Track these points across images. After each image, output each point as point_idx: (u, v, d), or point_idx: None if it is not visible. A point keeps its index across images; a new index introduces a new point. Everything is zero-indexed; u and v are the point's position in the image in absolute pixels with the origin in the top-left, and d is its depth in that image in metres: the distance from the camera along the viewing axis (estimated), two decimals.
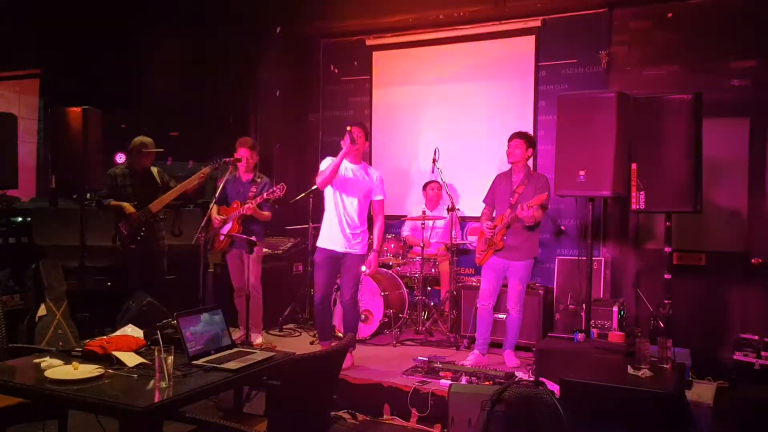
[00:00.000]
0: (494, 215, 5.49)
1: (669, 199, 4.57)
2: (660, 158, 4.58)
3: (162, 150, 6.08)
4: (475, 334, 5.56)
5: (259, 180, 5.82)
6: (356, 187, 5.24)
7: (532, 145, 5.41)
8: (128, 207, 5.84)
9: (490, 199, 5.54)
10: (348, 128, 5.13)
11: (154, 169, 6.11)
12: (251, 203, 5.54)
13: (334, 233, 5.25)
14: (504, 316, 5.55)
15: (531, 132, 6.71)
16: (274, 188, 5.45)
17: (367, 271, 5.37)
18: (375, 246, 5.32)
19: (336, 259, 5.27)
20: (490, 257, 5.37)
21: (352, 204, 5.23)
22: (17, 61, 8.86)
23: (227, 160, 5.63)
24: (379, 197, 5.31)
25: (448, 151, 6.58)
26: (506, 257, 5.32)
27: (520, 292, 5.33)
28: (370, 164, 7.47)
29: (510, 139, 5.38)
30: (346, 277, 5.29)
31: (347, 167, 5.25)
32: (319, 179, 5.19)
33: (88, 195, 6.05)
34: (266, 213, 5.72)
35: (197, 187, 5.87)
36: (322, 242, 5.32)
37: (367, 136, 5.35)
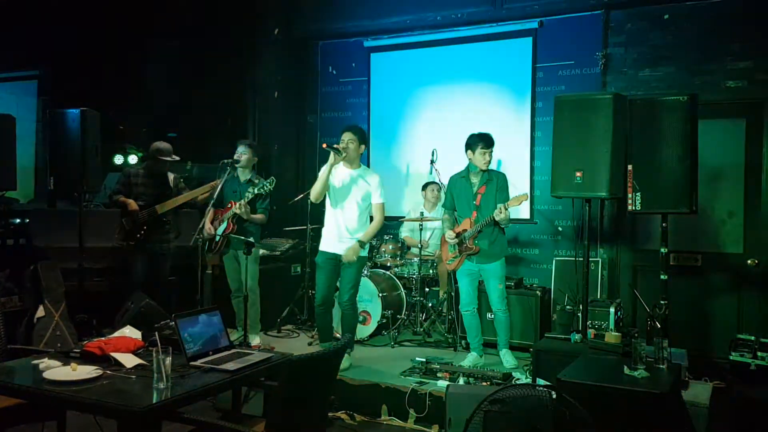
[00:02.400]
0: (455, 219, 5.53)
1: (665, 200, 4.58)
2: (656, 159, 4.59)
3: (178, 159, 6.06)
4: (467, 338, 5.60)
5: (256, 181, 5.83)
6: (353, 193, 5.27)
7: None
8: (132, 204, 5.87)
9: (451, 205, 5.54)
10: (323, 146, 5.15)
11: (171, 175, 6.13)
12: (242, 202, 5.54)
13: (333, 236, 5.30)
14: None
15: (528, 133, 6.77)
16: (264, 182, 5.46)
17: (342, 256, 5.22)
18: (364, 237, 5.25)
19: (336, 261, 5.30)
20: (463, 262, 5.40)
21: (349, 208, 5.27)
22: (16, 62, 8.88)
23: (225, 161, 5.64)
24: (377, 201, 5.31)
25: (445, 152, 6.60)
26: (479, 261, 5.35)
27: (501, 291, 5.36)
28: (368, 166, 7.49)
29: (491, 146, 5.32)
30: (344, 278, 5.32)
31: (343, 173, 5.29)
32: (312, 192, 5.28)
33: (86, 196, 6.06)
34: (259, 216, 5.72)
35: (208, 198, 5.88)
36: (322, 245, 5.38)
37: (362, 139, 5.30)
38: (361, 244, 5.24)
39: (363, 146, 5.32)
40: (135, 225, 5.89)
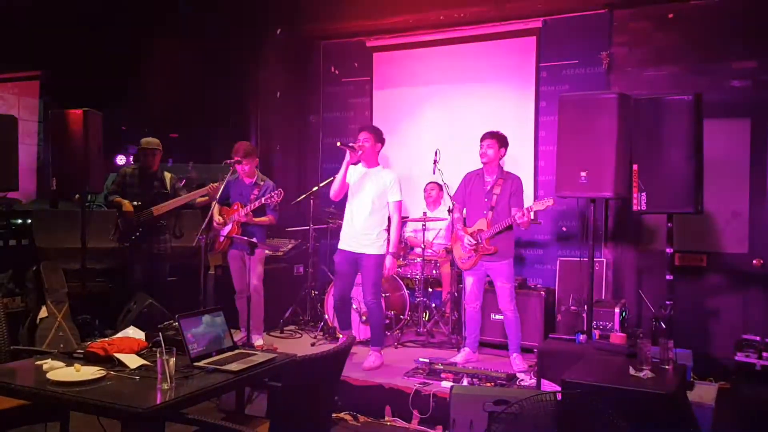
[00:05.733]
0: (464, 215, 5.53)
1: (670, 200, 4.57)
2: (661, 159, 4.58)
3: (155, 149, 6.07)
4: (465, 332, 5.61)
5: (261, 183, 5.83)
6: (369, 190, 5.32)
7: (505, 145, 5.41)
8: (127, 205, 5.87)
9: (461, 198, 5.54)
10: (338, 144, 5.21)
11: (168, 175, 6.14)
12: (247, 209, 5.57)
13: (348, 234, 5.39)
14: (501, 317, 5.56)
15: (532, 133, 6.75)
16: (273, 193, 5.49)
17: (384, 274, 5.38)
18: (390, 248, 5.34)
19: (353, 259, 5.36)
20: (477, 262, 5.38)
21: (365, 206, 5.30)
22: (17, 62, 8.86)
23: (228, 162, 5.64)
24: (393, 198, 5.33)
25: (449, 152, 6.56)
26: (486, 259, 5.34)
27: (510, 291, 5.34)
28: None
29: (482, 139, 5.39)
30: (364, 279, 5.36)
31: (360, 171, 5.38)
32: (331, 192, 5.40)
33: (89, 197, 6.06)
34: (265, 218, 5.76)
35: (205, 202, 5.89)
36: (340, 244, 5.46)
37: (378, 138, 5.37)
38: (395, 255, 5.43)
39: (379, 145, 5.40)
40: (130, 226, 5.87)
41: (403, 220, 6.99)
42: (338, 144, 5.18)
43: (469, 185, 5.51)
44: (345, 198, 5.47)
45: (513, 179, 5.37)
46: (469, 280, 5.47)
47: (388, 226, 5.41)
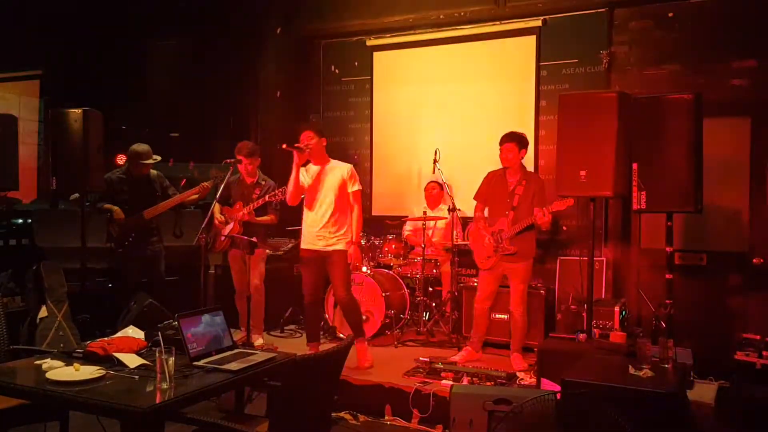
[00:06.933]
0: (486, 214, 5.49)
1: (670, 199, 4.57)
2: (661, 158, 4.57)
3: (158, 159, 6.03)
4: (471, 332, 5.59)
5: (263, 183, 5.82)
6: (328, 186, 5.22)
7: (524, 146, 5.36)
8: (118, 212, 5.80)
9: (483, 197, 5.51)
10: (283, 146, 5.09)
11: (154, 172, 6.09)
12: (249, 207, 5.56)
13: (312, 233, 5.25)
14: (505, 317, 5.55)
15: (532, 132, 6.73)
16: (276, 191, 5.46)
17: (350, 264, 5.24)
18: (353, 237, 5.22)
19: (320, 257, 5.24)
20: (497, 262, 5.35)
21: (325, 202, 5.20)
22: (17, 62, 8.87)
23: (228, 161, 5.63)
24: (352, 189, 5.23)
25: (449, 151, 6.57)
26: (506, 260, 5.31)
27: (522, 292, 5.31)
28: (371, 165, 7.50)
29: (501, 143, 5.33)
30: (334, 274, 5.26)
31: (314, 170, 5.28)
32: (287, 196, 5.25)
33: (89, 197, 6.04)
34: (266, 218, 5.74)
35: (196, 200, 5.87)
36: (303, 243, 5.33)
37: (321, 133, 5.26)
38: (358, 245, 5.27)
39: (324, 140, 5.28)
40: (122, 232, 5.83)
41: (404, 220, 7.00)
42: (283, 147, 5.07)
43: (491, 185, 5.47)
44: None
45: (535, 180, 5.36)
46: (483, 280, 5.44)
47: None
